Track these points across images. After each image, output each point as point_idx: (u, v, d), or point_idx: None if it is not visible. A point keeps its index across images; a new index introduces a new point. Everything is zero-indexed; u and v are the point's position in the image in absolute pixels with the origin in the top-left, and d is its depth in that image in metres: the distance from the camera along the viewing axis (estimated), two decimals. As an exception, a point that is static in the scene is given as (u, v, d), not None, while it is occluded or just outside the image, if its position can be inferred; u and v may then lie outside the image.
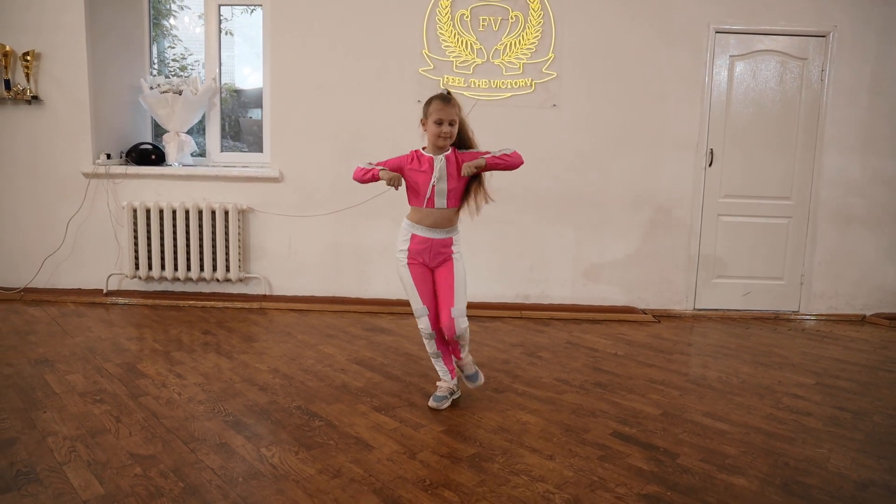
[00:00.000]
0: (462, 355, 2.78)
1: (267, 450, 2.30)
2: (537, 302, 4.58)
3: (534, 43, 4.37)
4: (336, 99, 4.44)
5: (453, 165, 2.58)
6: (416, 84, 4.37)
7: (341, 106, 4.44)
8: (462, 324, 2.64)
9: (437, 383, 2.79)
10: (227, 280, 4.54)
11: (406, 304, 4.02)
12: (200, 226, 4.48)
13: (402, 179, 2.58)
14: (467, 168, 2.53)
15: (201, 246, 4.50)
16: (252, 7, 4.82)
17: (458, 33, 4.38)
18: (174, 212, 4.46)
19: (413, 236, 2.64)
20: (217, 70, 4.73)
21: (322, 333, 3.85)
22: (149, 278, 4.54)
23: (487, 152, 2.60)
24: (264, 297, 4.54)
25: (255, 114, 5.11)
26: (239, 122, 5.18)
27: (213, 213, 4.47)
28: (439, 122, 2.53)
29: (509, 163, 2.59)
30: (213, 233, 4.49)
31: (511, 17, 4.35)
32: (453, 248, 2.67)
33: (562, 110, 4.42)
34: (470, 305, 4.32)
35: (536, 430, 2.53)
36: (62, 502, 1.92)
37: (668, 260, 4.55)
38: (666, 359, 3.55)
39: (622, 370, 3.33)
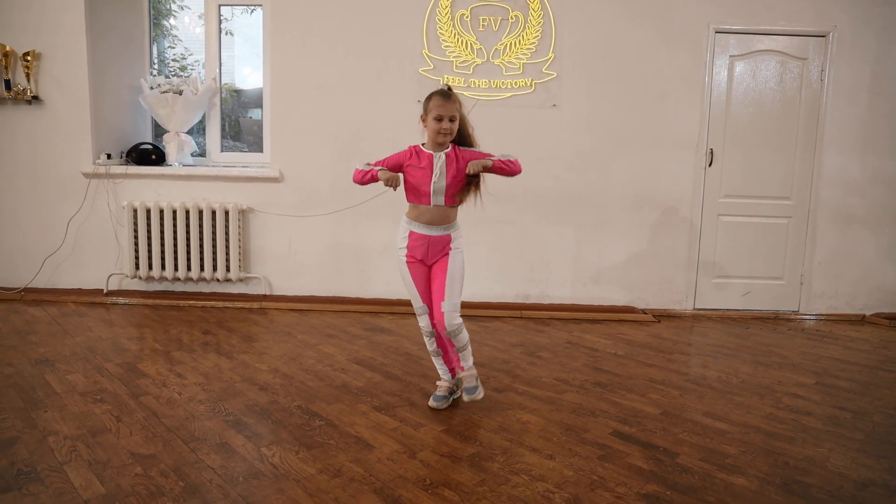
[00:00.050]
0: (463, 364, 2.68)
1: (267, 449, 2.30)
2: (537, 302, 4.58)
3: (534, 43, 4.37)
4: (336, 99, 4.44)
5: (453, 163, 2.55)
6: (416, 84, 4.38)
7: (341, 106, 4.45)
8: (454, 319, 2.58)
9: (438, 383, 2.79)
10: (228, 280, 4.54)
11: (406, 303, 4.03)
12: (200, 226, 4.48)
13: (401, 179, 2.56)
14: (475, 166, 2.50)
15: (201, 246, 4.50)
16: (252, 7, 4.82)
17: (458, 33, 4.38)
18: (174, 212, 4.46)
19: (411, 233, 2.62)
20: (217, 70, 4.73)
21: (322, 333, 3.85)
22: (149, 278, 4.54)
23: (490, 154, 2.58)
24: (264, 297, 4.55)
25: (255, 114, 5.12)
26: (239, 122, 5.18)
27: (214, 213, 4.47)
28: (439, 119, 2.51)
29: (511, 170, 2.58)
30: (214, 233, 4.49)
31: (511, 17, 4.36)
32: (452, 244, 2.63)
33: (562, 110, 4.42)
34: (470, 305, 4.39)
35: (536, 430, 2.54)
36: (63, 502, 1.93)
37: (668, 260, 4.56)
38: (666, 358, 3.56)
39: (622, 370, 3.33)
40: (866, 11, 4.33)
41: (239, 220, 4.49)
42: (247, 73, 5.30)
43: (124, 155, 4.67)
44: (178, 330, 3.85)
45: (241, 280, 4.56)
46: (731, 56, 4.41)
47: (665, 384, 3.13)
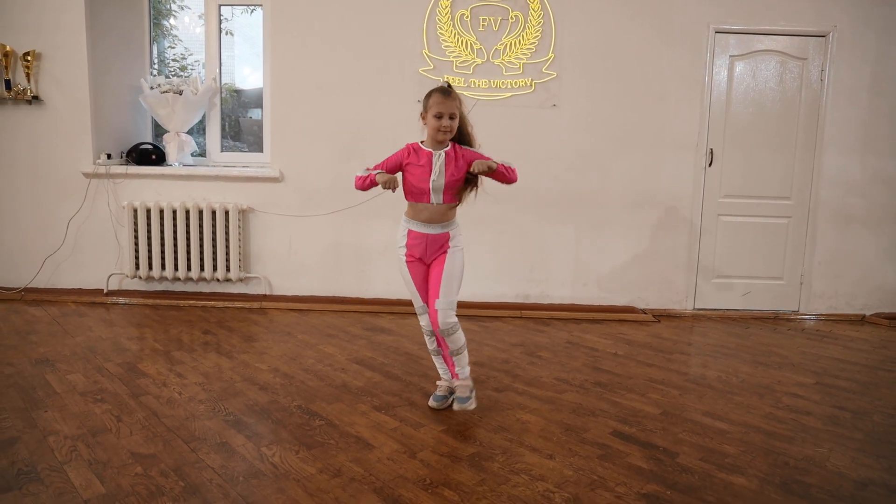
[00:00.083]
0: (458, 371, 2.64)
1: (267, 449, 2.30)
2: (537, 302, 4.59)
3: (534, 43, 4.37)
4: (336, 99, 4.44)
5: (452, 161, 2.54)
6: (416, 84, 4.38)
7: (341, 106, 4.45)
8: (448, 318, 2.54)
9: (438, 382, 2.79)
10: (228, 280, 4.54)
11: (406, 303, 4.04)
12: (201, 226, 4.49)
13: (399, 180, 2.54)
14: (479, 165, 2.47)
15: (201, 246, 4.51)
16: (252, 7, 4.82)
17: (458, 33, 4.38)
18: (174, 212, 4.46)
19: (409, 232, 2.61)
20: (217, 70, 4.73)
21: (322, 333, 3.85)
22: (149, 278, 4.55)
23: (489, 158, 2.55)
24: (264, 297, 4.55)
25: (255, 114, 5.12)
26: (239, 122, 5.18)
27: (214, 213, 4.47)
28: (439, 116, 2.48)
29: (510, 177, 2.57)
30: (214, 233, 4.49)
31: (511, 17, 4.36)
32: (451, 242, 2.60)
33: (562, 110, 4.43)
34: (470, 305, 4.39)
35: (536, 430, 2.54)
36: (63, 501, 1.93)
37: (668, 260, 4.56)
38: (666, 358, 3.56)
39: (622, 370, 3.33)
40: (866, 11, 4.33)
41: (239, 220, 4.49)
42: (247, 73, 5.30)
43: (124, 155, 4.67)
44: (178, 330, 3.85)
45: (241, 280, 4.56)
46: (731, 56, 4.41)
47: (665, 384, 3.13)
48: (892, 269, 4.59)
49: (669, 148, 4.46)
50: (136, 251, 4.50)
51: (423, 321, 2.68)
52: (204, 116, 4.76)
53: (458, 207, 2.66)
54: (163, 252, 4.50)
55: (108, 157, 4.51)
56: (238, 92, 5.18)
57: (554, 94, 4.41)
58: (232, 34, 4.99)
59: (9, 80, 4.37)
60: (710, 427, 2.62)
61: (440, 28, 4.37)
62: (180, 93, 4.50)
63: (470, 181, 2.62)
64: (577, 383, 3.10)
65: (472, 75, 4.40)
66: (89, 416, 2.54)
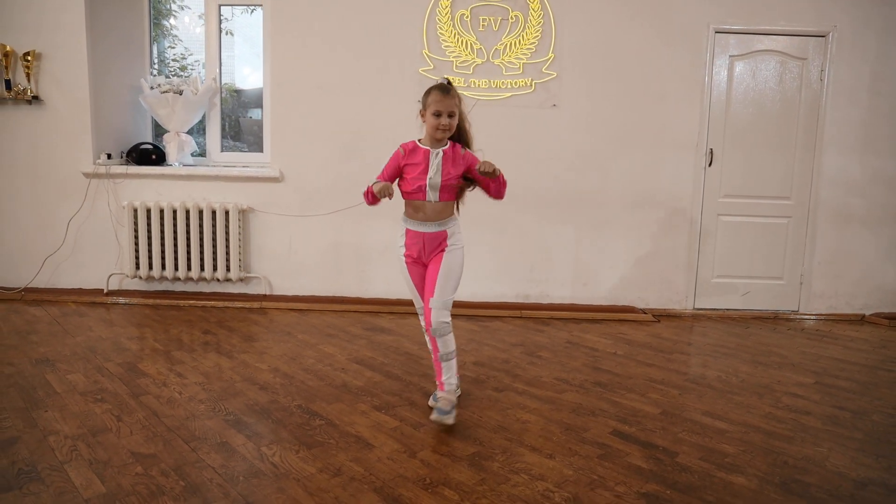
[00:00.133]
0: (444, 380, 2.54)
1: (267, 448, 2.31)
2: (537, 301, 4.59)
3: (534, 43, 4.37)
4: (336, 99, 4.45)
5: (450, 160, 2.51)
6: (416, 84, 4.38)
7: (341, 106, 4.45)
8: (441, 317, 2.50)
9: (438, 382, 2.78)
10: (228, 280, 4.54)
11: (406, 303, 4.04)
12: (201, 226, 4.49)
13: (392, 189, 2.49)
14: (486, 166, 2.44)
15: (202, 246, 4.51)
16: (252, 7, 4.83)
17: (458, 33, 4.39)
18: (174, 212, 4.46)
19: (407, 231, 2.59)
20: (217, 70, 4.73)
21: (322, 333, 3.85)
22: (149, 278, 4.55)
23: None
24: (264, 297, 4.55)
25: (255, 114, 5.12)
26: (239, 122, 5.19)
27: (214, 212, 4.47)
28: (438, 114, 2.45)
29: (502, 191, 2.57)
30: (214, 233, 4.50)
31: (511, 17, 4.36)
32: (449, 240, 2.57)
33: (562, 110, 4.43)
34: (470, 305, 4.40)
35: (536, 429, 2.54)
36: (63, 501, 1.93)
37: (668, 259, 4.56)
38: (665, 358, 3.56)
39: (622, 369, 3.33)
40: (866, 11, 4.33)
41: (239, 219, 4.49)
42: (247, 73, 5.31)
43: (124, 155, 4.67)
44: (178, 330, 3.85)
45: (241, 280, 4.56)
46: (730, 56, 4.42)
47: (665, 384, 3.13)
48: (892, 268, 4.59)
49: (669, 148, 4.46)
50: (137, 251, 4.50)
51: (423, 322, 2.67)
52: (204, 116, 4.76)
53: (455, 207, 2.64)
54: (163, 252, 4.50)
55: (109, 157, 4.51)
56: (238, 92, 5.19)
57: (554, 94, 4.41)
58: (232, 34, 4.99)
59: (9, 80, 4.38)
60: (710, 427, 2.62)
61: (440, 28, 4.38)
62: (180, 93, 4.50)
63: (467, 184, 2.59)
64: (576, 383, 3.10)
65: (472, 75, 4.41)
66: (89, 416, 2.54)
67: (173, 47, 5.21)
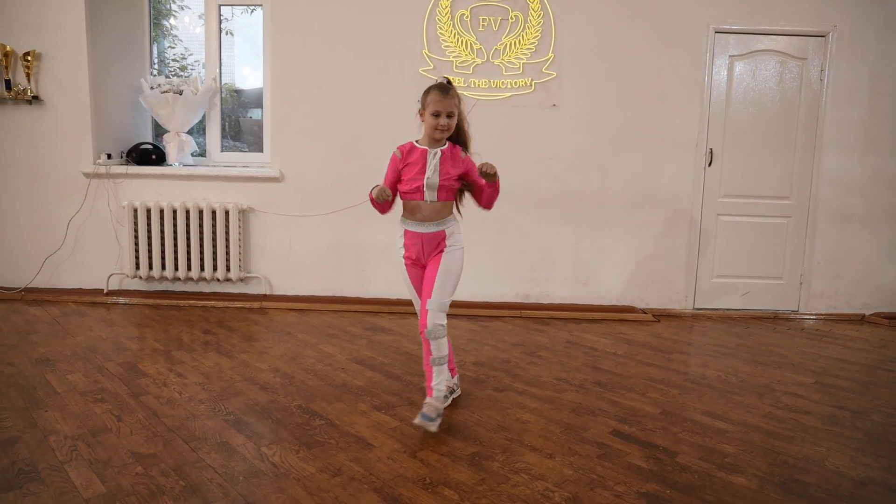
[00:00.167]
0: (433, 386, 2.50)
1: (268, 448, 2.31)
2: (537, 301, 4.59)
3: (534, 43, 4.37)
4: (336, 99, 4.45)
5: (448, 161, 2.48)
6: (416, 84, 4.37)
7: (341, 106, 4.45)
8: (437, 319, 2.46)
9: None
10: (228, 280, 4.54)
11: (406, 303, 4.04)
12: (201, 226, 4.49)
13: (389, 192, 2.46)
14: (489, 167, 2.42)
15: (202, 246, 4.51)
16: (252, 7, 4.83)
17: (458, 33, 4.39)
18: (174, 212, 4.46)
19: (405, 232, 2.56)
20: (217, 70, 4.74)
21: (322, 333, 3.86)
22: (149, 278, 4.55)
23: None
24: (265, 297, 4.55)
25: (255, 114, 5.12)
26: (239, 122, 5.19)
27: (214, 212, 4.47)
28: (436, 114, 2.42)
29: (493, 198, 2.55)
30: (214, 232, 4.50)
31: (511, 17, 4.36)
32: (448, 240, 2.53)
33: (562, 110, 4.43)
34: (470, 305, 4.40)
35: (536, 429, 2.54)
36: (64, 501, 1.93)
37: (668, 259, 4.56)
38: (665, 358, 3.56)
39: (622, 369, 3.33)
40: (866, 11, 4.34)
41: (239, 219, 4.49)
42: (247, 73, 5.31)
43: (124, 155, 4.67)
44: (178, 329, 3.85)
45: (241, 280, 4.56)
46: (730, 56, 4.42)
47: (664, 383, 3.13)
48: (892, 268, 4.59)
49: (669, 148, 4.46)
50: (137, 251, 4.50)
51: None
52: (204, 116, 4.77)
53: (456, 208, 2.62)
54: (163, 252, 4.50)
55: (109, 157, 4.51)
56: (238, 92, 5.19)
57: (554, 93, 4.41)
58: (232, 34, 5.00)
59: (9, 80, 4.38)
60: (710, 426, 2.62)
61: (440, 28, 4.38)
62: (180, 93, 4.50)
63: (465, 188, 2.58)
64: (576, 383, 3.10)
65: (471, 75, 4.41)
66: (90, 416, 2.54)
67: (173, 47, 5.21)
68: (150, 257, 4.50)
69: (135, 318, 4.10)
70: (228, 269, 4.53)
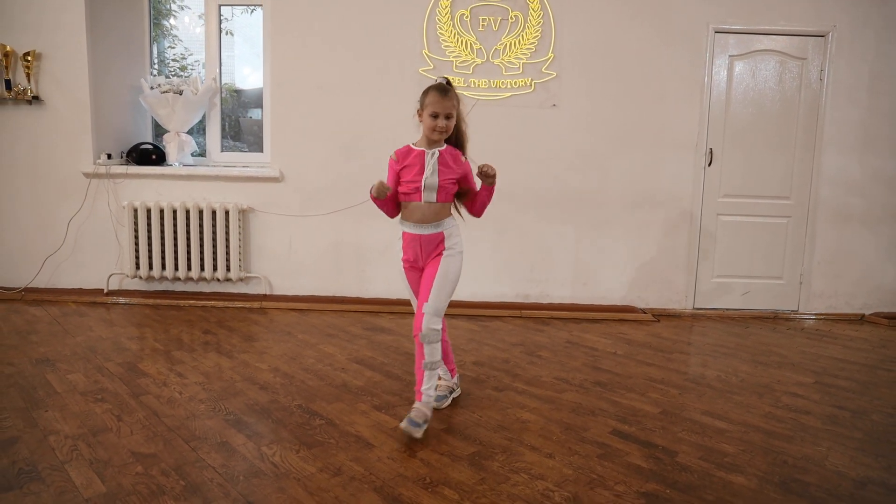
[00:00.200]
0: (423, 390, 2.46)
1: (268, 448, 2.31)
2: (537, 301, 4.59)
3: (533, 43, 4.37)
4: (336, 99, 4.45)
5: (447, 162, 2.45)
6: (416, 84, 4.37)
7: (341, 106, 4.45)
8: (431, 323, 2.42)
9: (438, 382, 2.78)
10: (228, 280, 4.54)
11: (406, 303, 4.04)
12: (201, 225, 4.49)
13: (387, 185, 2.45)
14: (490, 168, 2.41)
15: (202, 246, 4.51)
16: (252, 7, 4.83)
17: (458, 33, 4.39)
18: (175, 212, 4.46)
19: (404, 234, 2.53)
20: (217, 70, 4.74)
21: (322, 333, 3.86)
22: (149, 278, 4.55)
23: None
24: (265, 297, 4.55)
25: (255, 114, 5.12)
26: (239, 122, 5.19)
27: (214, 212, 4.48)
28: (435, 115, 2.39)
29: (487, 202, 2.55)
30: (214, 232, 4.50)
31: (511, 17, 4.36)
32: (447, 242, 2.50)
33: (562, 110, 4.43)
34: (470, 305, 4.40)
35: (536, 429, 2.54)
36: (64, 500, 1.93)
37: (668, 259, 4.56)
38: (665, 358, 3.56)
39: (621, 369, 3.33)
40: (866, 11, 4.34)
41: (239, 219, 4.50)
42: (247, 73, 5.31)
43: (124, 155, 4.68)
44: (178, 329, 3.85)
45: (241, 280, 4.56)
46: (730, 56, 4.42)
47: (664, 383, 3.13)
48: (892, 268, 4.60)
49: (669, 148, 4.46)
50: (137, 251, 4.50)
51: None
52: (204, 116, 4.77)
53: (457, 211, 2.60)
54: (163, 252, 4.50)
55: (109, 157, 4.51)
56: (238, 92, 5.19)
57: (554, 93, 4.41)
58: (232, 34, 5.00)
59: (9, 80, 4.38)
60: (710, 426, 2.62)
61: (440, 28, 4.38)
62: (180, 93, 4.50)
63: (463, 194, 2.57)
64: (576, 383, 3.11)
65: (471, 75, 4.41)
66: (90, 416, 2.54)
67: (173, 47, 5.21)
68: (150, 257, 4.50)
69: (135, 318, 4.10)
70: (228, 269, 4.53)
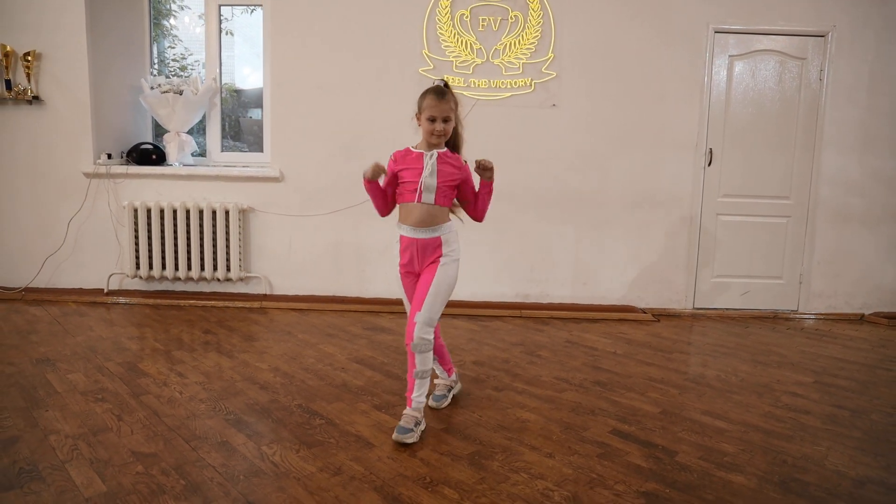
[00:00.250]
0: (413, 397, 2.43)
1: (268, 448, 2.31)
2: (537, 301, 4.59)
3: (533, 43, 4.38)
4: (336, 99, 4.45)
5: (446, 164, 2.42)
6: (416, 84, 4.37)
7: (341, 106, 4.45)
8: (423, 333, 2.38)
9: (435, 381, 2.79)
10: (228, 279, 4.55)
11: (406, 303, 4.04)
12: (201, 225, 4.49)
13: (383, 167, 2.44)
14: (487, 161, 2.38)
15: (202, 245, 4.51)
16: (252, 7, 4.83)
17: (458, 33, 4.39)
18: (175, 211, 4.47)
19: (401, 238, 2.48)
20: (217, 70, 4.74)
21: (322, 332, 3.86)
22: (149, 278, 4.55)
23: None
24: (265, 297, 4.56)
25: (255, 114, 5.12)
26: (239, 121, 5.19)
27: (214, 212, 4.48)
28: (432, 120, 2.36)
29: (487, 203, 2.53)
30: (214, 232, 4.50)
31: (511, 17, 4.37)
32: (444, 249, 2.44)
33: (562, 110, 4.43)
34: (470, 305, 4.41)
35: (536, 428, 2.55)
36: (64, 500, 1.94)
37: (668, 259, 4.57)
38: (665, 357, 3.57)
39: (621, 369, 3.34)
40: (865, 11, 4.34)
41: (239, 219, 4.50)
42: (247, 73, 5.31)
43: (125, 155, 4.68)
44: (178, 329, 3.86)
45: (241, 279, 4.56)
46: (730, 56, 4.42)
47: (664, 383, 3.14)
48: (891, 268, 4.60)
49: (669, 148, 4.47)
50: (137, 251, 4.51)
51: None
52: (204, 116, 4.77)
53: (451, 214, 2.56)
54: (163, 252, 4.51)
55: (109, 157, 4.52)
56: (238, 92, 5.19)
57: (554, 93, 4.41)
58: (232, 34, 5.00)
59: (9, 80, 4.38)
60: (709, 426, 2.63)
61: (440, 28, 4.38)
62: (180, 93, 4.51)
63: (465, 202, 2.55)
64: (576, 382, 3.11)
65: (471, 75, 4.41)
66: (90, 416, 2.55)
67: (173, 47, 5.21)
68: (150, 257, 4.50)
69: (135, 317, 4.10)
70: (228, 269, 4.53)
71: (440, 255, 2.45)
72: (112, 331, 3.77)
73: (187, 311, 4.26)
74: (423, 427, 2.45)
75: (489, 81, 4.41)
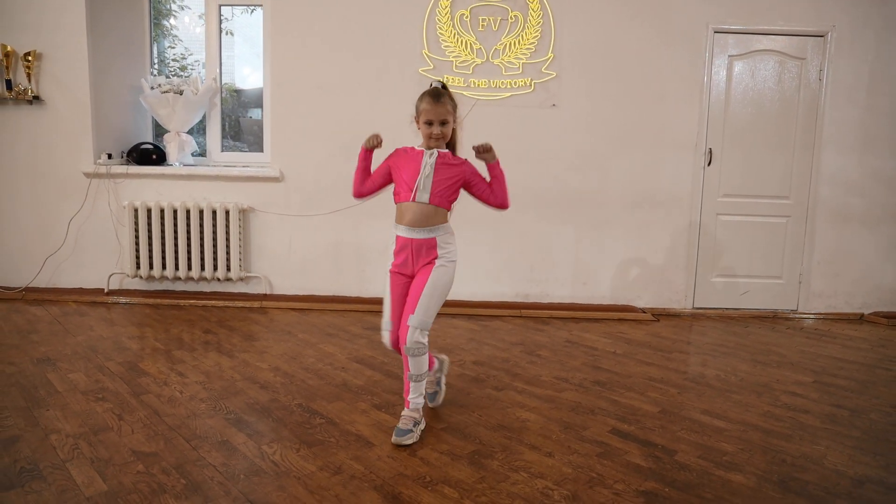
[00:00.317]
0: (409, 398, 2.41)
1: (268, 447, 2.32)
2: (537, 301, 4.60)
3: (533, 43, 4.38)
4: (336, 99, 4.46)
5: (447, 164, 2.41)
6: (416, 84, 4.38)
7: (341, 106, 4.46)
8: (416, 337, 2.33)
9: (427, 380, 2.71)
10: (228, 279, 4.55)
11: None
12: (201, 225, 4.50)
13: (379, 138, 2.42)
14: (484, 144, 2.36)
15: (202, 245, 4.52)
16: (252, 7, 4.84)
17: (458, 33, 4.39)
18: (175, 211, 4.47)
19: (397, 238, 2.44)
20: (217, 70, 4.74)
21: (322, 332, 3.86)
22: (150, 278, 4.56)
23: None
24: (265, 297, 4.56)
25: (255, 114, 5.13)
26: (239, 121, 5.20)
27: (214, 212, 4.48)
28: (429, 123, 2.35)
29: (502, 188, 2.47)
30: (214, 232, 4.51)
31: (511, 17, 4.37)
32: (440, 251, 2.40)
33: (561, 110, 4.44)
34: (470, 305, 4.41)
35: (536, 428, 2.55)
36: (65, 499, 1.94)
37: (668, 259, 4.57)
38: (665, 357, 3.57)
39: (621, 368, 3.34)
40: (865, 11, 4.34)
41: (239, 219, 4.50)
42: (247, 73, 5.31)
43: (125, 155, 4.68)
44: (178, 329, 3.86)
45: (241, 279, 4.57)
46: (729, 56, 4.43)
47: (664, 382, 3.14)
48: (891, 268, 4.60)
49: (669, 148, 4.47)
50: (137, 251, 4.51)
51: (384, 338, 2.52)
52: (204, 116, 4.77)
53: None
54: (163, 251, 4.51)
55: (109, 156, 4.52)
56: (238, 92, 5.20)
57: (553, 93, 4.42)
58: (232, 34, 5.00)
59: (9, 80, 4.38)
60: (709, 425, 2.63)
61: (440, 28, 4.38)
62: (181, 93, 4.51)
63: (482, 198, 2.52)
64: (576, 382, 3.11)
65: (471, 75, 4.42)
66: (91, 415, 2.55)
67: (173, 47, 5.22)
68: (150, 257, 4.51)
69: (135, 317, 4.10)
70: (229, 269, 4.54)
71: (436, 257, 2.41)
72: (112, 330, 3.78)
73: (187, 311, 4.27)
74: (422, 426, 2.46)
75: (489, 81, 4.41)
